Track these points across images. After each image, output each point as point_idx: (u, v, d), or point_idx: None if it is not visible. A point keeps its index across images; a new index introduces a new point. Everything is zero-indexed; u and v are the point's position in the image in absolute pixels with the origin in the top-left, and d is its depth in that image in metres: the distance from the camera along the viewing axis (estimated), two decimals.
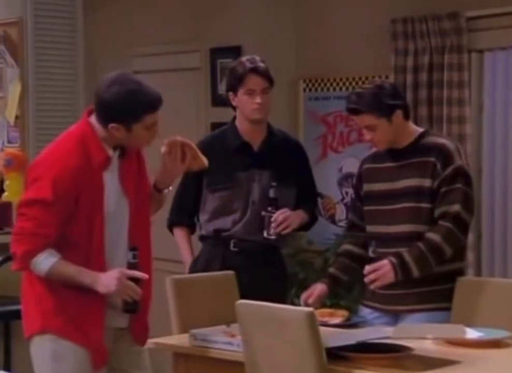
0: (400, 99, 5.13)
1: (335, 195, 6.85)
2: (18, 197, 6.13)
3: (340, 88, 6.85)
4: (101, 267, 4.54)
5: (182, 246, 5.71)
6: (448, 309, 5.08)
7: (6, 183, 6.41)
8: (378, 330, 4.75)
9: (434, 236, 4.95)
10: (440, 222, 4.96)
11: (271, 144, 5.53)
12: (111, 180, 4.56)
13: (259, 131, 5.51)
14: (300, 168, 5.67)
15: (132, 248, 4.51)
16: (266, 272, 5.55)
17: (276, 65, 7.03)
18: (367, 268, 4.94)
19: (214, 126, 7.25)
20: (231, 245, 5.54)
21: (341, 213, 6.72)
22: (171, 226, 5.76)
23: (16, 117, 6.65)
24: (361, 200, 5.28)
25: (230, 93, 5.42)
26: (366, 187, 5.23)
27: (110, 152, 4.54)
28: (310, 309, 4.35)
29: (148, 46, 7.76)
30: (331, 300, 6.10)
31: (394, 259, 4.90)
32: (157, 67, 7.86)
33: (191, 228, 5.74)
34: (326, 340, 4.32)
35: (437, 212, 4.99)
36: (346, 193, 6.83)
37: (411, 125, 5.24)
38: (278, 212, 5.43)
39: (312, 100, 7.02)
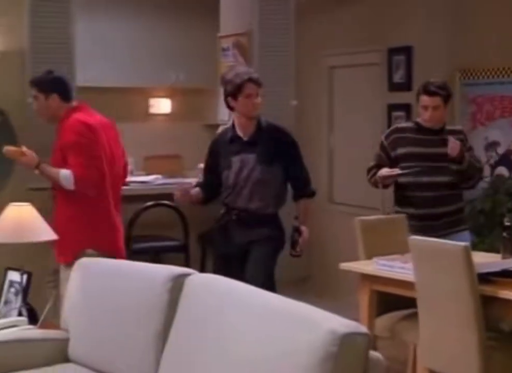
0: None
1: (482, 158, 6.71)
2: None
3: (488, 77, 6.69)
4: None
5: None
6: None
7: None
8: None
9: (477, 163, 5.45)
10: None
11: (258, 135, 5.31)
12: None
13: (250, 125, 5.29)
14: (286, 151, 5.35)
15: None
16: (257, 231, 5.29)
17: (438, 59, 6.94)
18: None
19: (390, 106, 7.20)
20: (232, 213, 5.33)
21: (487, 171, 6.55)
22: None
23: None
24: None
25: (230, 98, 5.22)
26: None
27: None
28: (467, 243, 4.30)
29: (340, 47, 7.72)
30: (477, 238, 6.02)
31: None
32: (347, 62, 7.82)
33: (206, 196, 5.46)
34: (477, 267, 4.27)
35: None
36: (491, 156, 6.69)
37: None
38: (301, 239, 5.33)
39: (465, 86, 6.88)
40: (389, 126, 7.09)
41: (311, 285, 7.41)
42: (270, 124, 5.39)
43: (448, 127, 5.45)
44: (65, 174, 4.98)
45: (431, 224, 5.30)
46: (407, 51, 7.03)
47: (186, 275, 3.75)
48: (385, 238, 5.16)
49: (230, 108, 5.31)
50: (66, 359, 4.13)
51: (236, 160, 5.27)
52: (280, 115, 6.28)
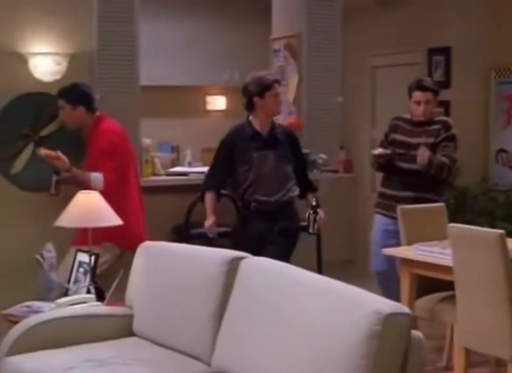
0: None
1: None
2: None
3: None
4: None
5: (208, 207, 5.38)
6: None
7: None
8: None
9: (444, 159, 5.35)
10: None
11: (274, 133, 5.36)
12: None
13: (267, 124, 5.34)
14: (294, 150, 5.42)
15: None
16: (276, 223, 5.30)
17: (475, 59, 6.87)
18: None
19: None
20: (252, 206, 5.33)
21: None
22: (204, 190, 5.45)
23: (294, 98, 6.71)
24: None
25: (256, 97, 5.26)
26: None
27: None
28: (502, 231, 4.27)
29: (382, 48, 7.68)
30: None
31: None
32: (389, 62, 7.78)
33: (219, 193, 5.45)
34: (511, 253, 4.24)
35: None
36: None
37: None
38: (319, 218, 5.30)
39: (500, 84, 6.82)
40: None
41: (355, 268, 7.40)
42: (280, 124, 5.54)
43: (437, 118, 5.58)
44: (96, 177, 5.12)
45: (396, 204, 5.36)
46: (446, 51, 6.99)
47: (241, 258, 3.77)
48: (425, 225, 5.15)
49: (252, 108, 5.33)
50: (130, 333, 4.17)
51: (257, 156, 5.29)
52: (327, 110, 6.27)
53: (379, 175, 7.86)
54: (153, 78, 7.72)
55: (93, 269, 4.75)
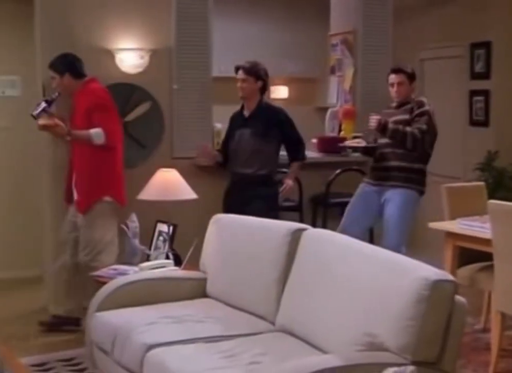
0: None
1: None
2: (350, 136, 6.20)
3: None
4: None
5: None
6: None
7: (343, 126, 6.43)
8: None
9: (408, 129, 5.11)
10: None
11: (254, 113, 5.30)
12: None
13: (252, 105, 5.31)
14: (280, 126, 5.29)
15: None
16: (252, 193, 5.24)
17: None
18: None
19: (471, 92, 6.98)
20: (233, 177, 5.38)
21: None
22: None
23: (350, 87, 6.63)
24: None
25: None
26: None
27: None
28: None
29: (429, 42, 7.54)
30: None
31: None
32: (435, 55, 7.63)
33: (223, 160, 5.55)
34: None
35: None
36: None
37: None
38: (283, 188, 5.32)
39: None
40: (470, 108, 6.93)
41: None
42: (269, 105, 5.42)
43: (415, 99, 5.32)
44: (96, 132, 4.89)
45: (383, 174, 5.27)
46: (486, 45, 6.82)
47: (303, 229, 3.74)
48: (467, 202, 5.06)
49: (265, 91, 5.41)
50: (204, 295, 4.19)
51: (237, 133, 5.35)
52: (379, 99, 6.18)
53: None
54: (224, 70, 7.69)
55: (171, 238, 4.78)
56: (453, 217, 4.96)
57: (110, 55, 5.66)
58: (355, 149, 5.66)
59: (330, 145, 6.19)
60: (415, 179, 5.25)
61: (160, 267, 4.45)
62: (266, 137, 5.29)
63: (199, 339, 3.45)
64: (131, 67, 5.70)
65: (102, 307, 3.95)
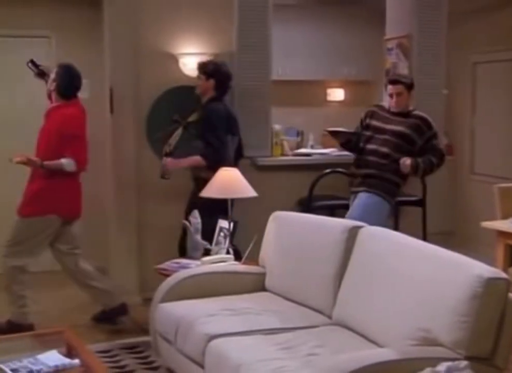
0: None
1: None
2: None
3: None
4: None
5: None
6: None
7: None
8: None
9: (433, 158, 4.97)
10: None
11: (199, 113, 5.24)
12: None
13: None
14: (204, 127, 5.12)
15: None
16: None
17: None
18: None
19: None
20: None
21: None
22: None
23: None
24: None
25: None
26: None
27: None
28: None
29: (482, 47, 7.44)
30: None
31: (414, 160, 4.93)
32: (488, 59, 7.53)
33: None
34: None
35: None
36: None
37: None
38: (162, 164, 5.20)
39: None
40: None
41: (455, 238, 7.25)
42: (207, 105, 5.25)
43: (415, 112, 5.09)
44: (68, 162, 4.73)
45: (360, 181, 5.07)
46: None
47: (359, 227, 3.73)
48: None
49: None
50: (262, 289, 4.21)
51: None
52: (433, 101, 6.13)
53: (478, 158, 7.70)
54: (283, 73, 7.74)
55: (232, 234, 4.81)
56: (505, 217, 4.90)
57: (173, 59, 5.73)
58: (335, 136, 5.29)
59: None
60: (388, 189, 5.01)
61: (221, 262, 4.48)
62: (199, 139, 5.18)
63: (258, 331, 3.47)
64: (194, 71, 5.75)
65: (166, 298, 4.00)
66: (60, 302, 5.59)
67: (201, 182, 4.90)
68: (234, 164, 5.18)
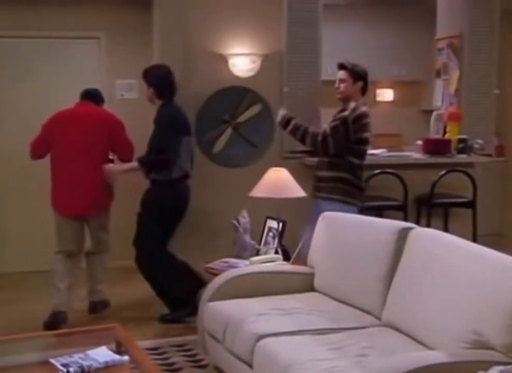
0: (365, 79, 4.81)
1: None
2: (455, 138, 6.07)
3: None
4: None
5: None
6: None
7: (448, 128, 6.28)
8: None
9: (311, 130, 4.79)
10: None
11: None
12: None
13: None
14: (153, 132, 4.96)
15: None
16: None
17: None
18: None
19: None
20: None
21: None
22: None
23: (456, 90, 6.49)
24: None
25: None
26: None
27: None
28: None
29: None
30: None
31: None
32: None
33: None
34: None
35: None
36: None
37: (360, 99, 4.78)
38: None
39: None
40: None
41: (506, 240, 7.14)
42: (158, 112, 5.05)
43: (349, 105, 4.76)
44: None
45: (317, 185, 4.92)
46: None
47: (410, 228, 3.67)
48: None
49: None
50: (311, 289, 4.18)
51: None
52: (485, 102, 6.03)
53: None
54: (332, 73, 7.67)
55: (280, 234, 4.79)
56: None
57: (223, 59, 5.74)
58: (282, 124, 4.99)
59: (435, 147, 6.08)
60: (340, 189, 4.81)
61: (270, 261, 4.46)
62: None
63: (307, 331, 3.44)
64: (244, 71, 5.76)
65: (214, 297, 4.00)
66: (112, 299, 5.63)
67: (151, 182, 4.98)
68: (190, 164, 5.07)
